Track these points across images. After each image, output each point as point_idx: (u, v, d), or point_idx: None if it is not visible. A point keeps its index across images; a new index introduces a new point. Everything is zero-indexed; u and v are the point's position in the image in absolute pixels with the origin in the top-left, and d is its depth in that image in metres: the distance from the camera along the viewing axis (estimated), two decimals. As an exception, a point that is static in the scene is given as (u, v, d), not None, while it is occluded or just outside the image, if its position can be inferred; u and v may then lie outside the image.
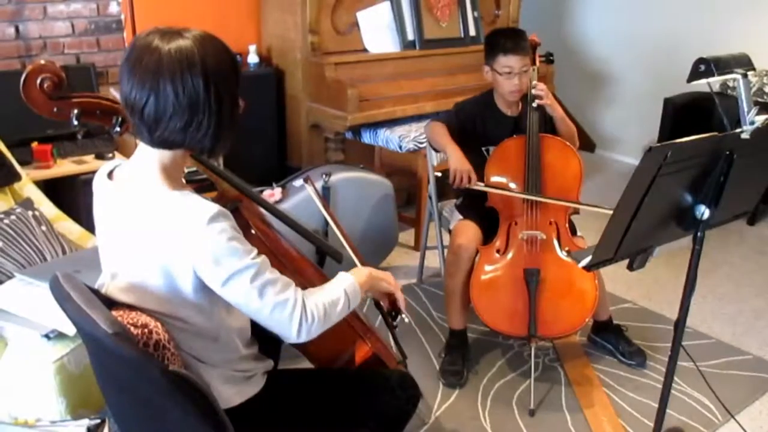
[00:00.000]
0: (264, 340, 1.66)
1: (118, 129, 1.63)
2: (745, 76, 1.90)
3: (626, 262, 1.70)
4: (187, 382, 1.24)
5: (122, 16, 3.55)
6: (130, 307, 1.42)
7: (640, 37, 5.16)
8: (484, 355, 2.84)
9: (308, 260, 1.98)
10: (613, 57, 5.42)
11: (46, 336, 2.02)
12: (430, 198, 3.13)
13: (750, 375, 2.76)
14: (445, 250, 2.94)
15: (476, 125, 2.77)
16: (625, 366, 2.78)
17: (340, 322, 1.74)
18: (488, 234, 2.66)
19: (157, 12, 3.61)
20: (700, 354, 2.82)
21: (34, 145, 3.10)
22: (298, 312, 1.40)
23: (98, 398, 1.92)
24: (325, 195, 3.04)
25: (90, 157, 3.21)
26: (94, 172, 1.53)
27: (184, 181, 1.49)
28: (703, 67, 1.88)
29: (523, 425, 2.43)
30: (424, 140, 3.17)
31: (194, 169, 1.83)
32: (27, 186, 2.76)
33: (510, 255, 2.59)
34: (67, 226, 2.70)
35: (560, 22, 5.68)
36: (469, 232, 2.65)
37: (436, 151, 2.89)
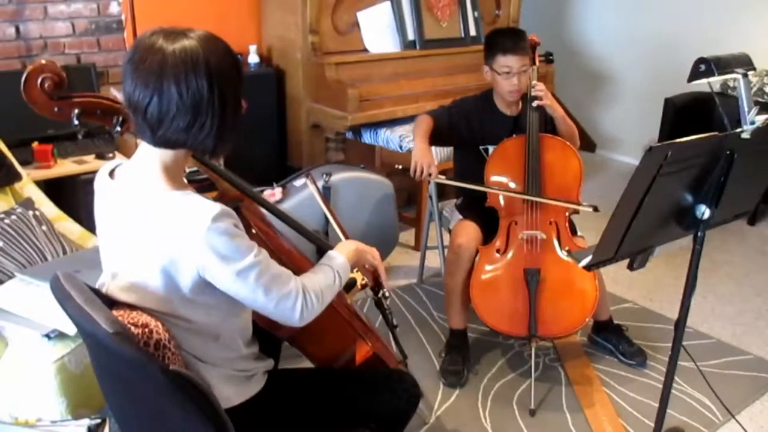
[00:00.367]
0: (264, 339, 1.66)
1: (118, 129, 1.63)
2: (745, 75, 1.90)
3: (626, 261, 1.70)
4: (187, 382, 1.24)
5: (123, 16, 3.55)
6: (131, 307, 1.42)
7: (640, 37, 5.16)
8: (484, 354, 2.84)
9: (309, 260, 1.98)
10: (613, 57, 5.42)
11: (47, 336, 2.02)
12: (431, 198, 3.13)
13: (750, 375, 2.76)
14: (446, 250, 2.94)
15: (472, 124, 2.77)
16: (626, 366, 2.78)
17: (341, 322, 1.75)
18: (488, 234, 2.66)
19: (158, 12, 3.61)
20: (701, 354, 2.83)
21: (35, 145, 3.10)
22: (300, 301, 1.44)
23: (99, 398, 1.92)
24: (326, 195, 3.04)
25: (90, 157, 3.21)
26: (94, 172, 1.53)
27: (185, 180, 1.49)
28: (704, 66, 1.88)
29: (523, 425, 2.43)
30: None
31: (195, 168, 1.83)
32: (27, 186, 2.76)
33: (510, 255, 2.59)
34: (68, 226, 2.70)
35: (560, 21, 5.68)
36: (469, 231, 2.65)
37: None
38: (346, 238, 2.05)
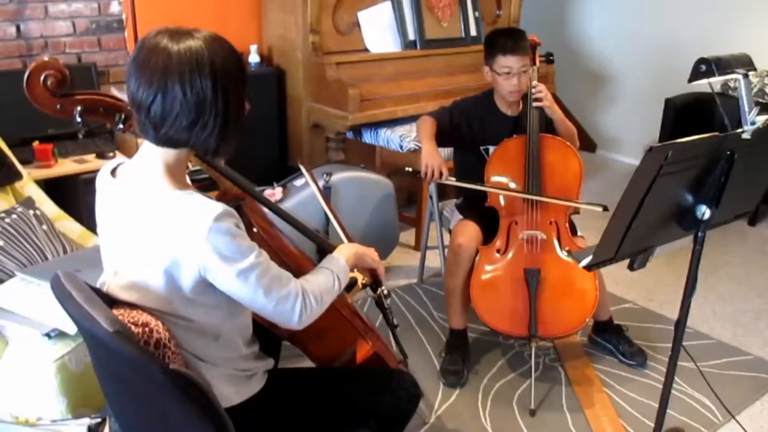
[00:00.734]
0: (265, 339, 1.66)
1: (121, 126, 1.63)
2: (746, 76, 1.90)
3: (627, 262, 1.70)
4: (187, 381, 1.24)
5: (123, 16, 3.55)
6: (131, 306, 1.42)
7: (640, 38, 5.16)
8: (484, 354, 2.84)
9: (309, 258, 1.98)
10: (613, 57, 5.42)
11: (47, 335, 2.02)
12: (431, 198, 3.13)
13: (750, 375, 2.76)
14: (446, 250, 2.94)
15: (473, 124, 2.77)
16: (626, 366, 2.78)
17: (341, 322, 1.75)
18: (489, 234, 2.66)
19: (159, 12, 3.61)
20: (701, 354, 2.83)
21: (36, 144, 3.10)
22: (299, 303, 1.45)
23: (99, 397, 1.92)
24: (326, 194, 3.04)
25: (91, 157, 3.21)
26: (95, 172, 1.53)
27: (188, 180, 1.49)
28: (704, 67, 1.88)
29: (523, 425, 2.43)
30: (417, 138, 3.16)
31: (197, 167, 1.83)
32: (28, 185, 2.76)
33: (510, 255, 2.59)
34: (68, 225, 2.70)
35: (561, 22, 5.68)
36: (469, 231, 2.66)
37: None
38: (346, 236, 2.06)
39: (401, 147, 3.58)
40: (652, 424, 1.97)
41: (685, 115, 4.52)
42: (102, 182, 1.48)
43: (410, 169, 2.69)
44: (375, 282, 1.88)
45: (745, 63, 1.96)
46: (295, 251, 1.86)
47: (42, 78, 1.53)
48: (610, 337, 2.85)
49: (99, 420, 1.99)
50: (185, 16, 3.69)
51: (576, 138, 2.73)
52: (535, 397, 2.52)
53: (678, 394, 2.60)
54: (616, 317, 2.90)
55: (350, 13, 3.82)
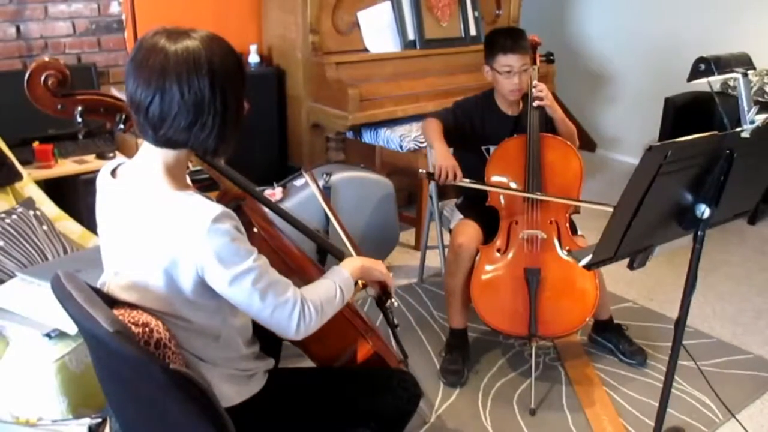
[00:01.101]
0: (265, 339, 1.66)
1: (121, 127, 1.64)
2: (745, 75, 1.90)
3: (627, 261, 1.70)
4: (188, 381, 1.25)
5: (123, 16, 3.56)
6: (132, 306, 1.42)
7: (640, 37, 5.16)
8: (484, 354, 2.84)
9: (310, 258, 1.98)
10: (613, 56, 5.42)
11: (48, 335, 2.02)
12: (431, 198, 3.13)
13: (751, 374, 2.76)
14: (446, 250, 2.94)
15: (475, 124, 2.77)
16: (626, 365, 2.78)
17: (342, 321, 1.75)
18: (489, 233, 2.66)
19: (158, 12, 3.62)
20: (701, 353, 2.83)
21: (36, 144, 3.11)
22: (297, 312, 1.43)
23: (99, 397, 1.93)
24: (326, 194, 3.04)
25: (91, 157, 3.22)
26: (95, 172, 1.53)
27: (189, 180, 1.50)
28: (704, 66, 1.89)
29: (523, 424, 2.43)
30: (425, 140, 3.17)
31: (198, 167, 1.84)
32: (28, 185, 2.76)
33: (510, 254, 2.59)
34: (69, 225, 2.70)
35: (561, 21, 5.68)
36: (469, 231, 2.66)
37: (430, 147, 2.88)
38: (349, 239, 2.05)
39: (401, 147, 3.58)
40: (653, 423, 1.97)
41: (684, 114, 4.52)
42: (102, 183, 1.48)
43: (424, 171, 2.70)
44: (384, 294, 1.85)
45: (744, 62, 1.96)
46: (296, 251, 1.87)
47: (43, 78, 1.53)
48: (610, 336, 2.86)
49: (99, 420, 1.99)
50: (185, 16, 3.69)
51: (576, 138, 2.73)
52: (535, 397, 2.52)
53: (678, 393, 2.60)
54: (616, 316, 2.91)
55: (350, 13, 3.82)
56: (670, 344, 1.86)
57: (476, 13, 4.24)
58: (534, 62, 2.70)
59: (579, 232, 2.72)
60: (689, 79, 1.95)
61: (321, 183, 3.05)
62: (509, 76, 2.63)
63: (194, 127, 1.33)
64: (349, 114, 3.52)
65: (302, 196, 3.03)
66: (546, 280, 2.54)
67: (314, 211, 2.89)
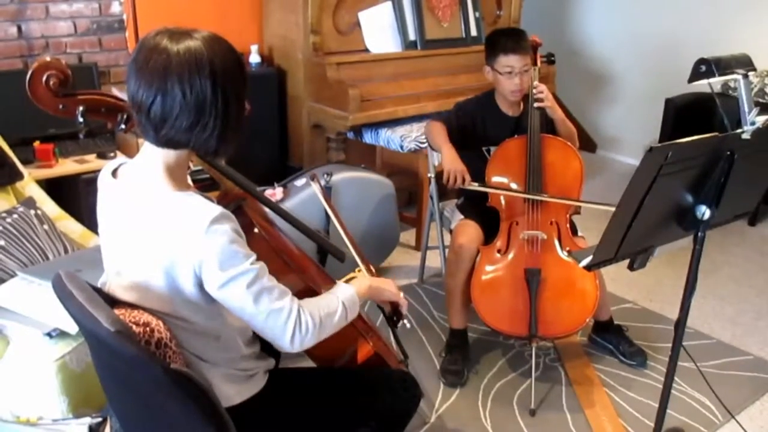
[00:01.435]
0: (265, 339, 1.66)
1: (123, 126, 1.64)
2: (745, 76, 1.91)
3: (627, 262, 1.70)
4: (188, 381, 1.25)
5: (124, 16, 3.56)
6: (132, 306, 1.42)
7: (641, 38, 5.16)
8: (484, 354, 2.84)
9: (310, 258, 1.99)
10: (614, 57, 5.42)
11: (48, 335, 2.03)
12: (432, 198, 3.13)
13: (750, 375, 2.76)
14: (446, 250, 2.94)
15: (476, 125, 2.77)
16: (626, 366, 2.78)
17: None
18: (489, 234, 2.66)
19: (159, 12, 3.62)
20: (701, 354, 2.83)
21: (37, 144, 3.11)
22: (292, 321, 1.40)
23: (100, 397, 1.93)
24: (327, 195, 3.04)
25: (92, 157, 3.22)
26: (96, 172, 1.53)
27: (189, 181, 1.50)
28: (704, 67, 1.89)
29: (523, 425, 2.44)
30: (426, 140, 3.18)
31: (198, 167, 1.84)
32: (29, 185, 2.76)
33: (511, 255, 2.59)
34: (69, 225, 2.71)
35: (561, 22, 5.68)
36: (470, 231, 2.66)
37: (435, 150, 2.89)
38: (350, 240, 2.05)
39: (402, 147, 3.58)
40: (652, 424, 1.97)
41: (685, 115, 4.52)
42: (103, 183, 1.48)
43: (431, 175, 2.70)
44: (396, 314, 1.81)
45: (744, 63, 1.96)
46: (296, 251, 1.87)
47: (44, 78, 1.53)
48: (610, 337, 2.86)
49: (100, 419, 1.99)
50: (186, 16, 3.70)
51: (576, 139, 2.73)
52: (535, 397, 2.52)
53: (678, 394, 2.60)
54: (616, 317, 2.91)
55: (351, 14, 3.82)
56: (670, 345, 1.86)
57: (477, 14, 4.24)
58: (535, 63, 2.71)
59: (579, 233, 2.72)
60: (690, 80, 1.96)
61: (321, 183, 3.06)
62: (510, 77, 2.63)
63: (196, 128, 1.33)
64: (350, 114, 3.52)
65: (303, 196, 3.03)
66: (546, 280, 2.54)
67: (315, 211, 2.90)
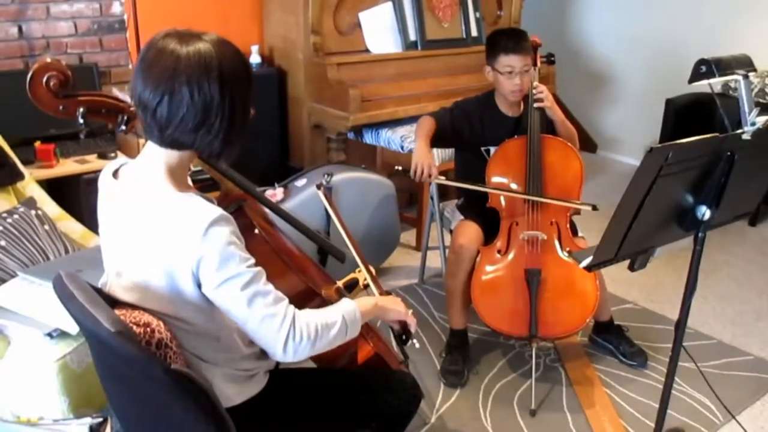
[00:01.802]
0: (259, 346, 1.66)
1: (123, 127, 1.64)
2: (746, 77, 1.91)
3: (627, 262, 1.70)
4: (189, 381, 1.25)
5: (125, 16, 3.56)
6: (133, 307, 1.42)
7: (641, 38, 5.16)
8: (485, 355, 2.84)
9: (311, 259, 1.99)
10: (614, 58, 5.42)
11: (49, 335, 2.03)
12: (432, 198, 3.13)
13: (751, 375, 2.76)
14: (447, 251, 2.94)
15: (474, 125, 2.77)
16: (626, 366, 2.78)
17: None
18: (489, 234, 2.66)
19: (160, 12, 3.62)
20: (701, 354, 2.83)
21: (37, 144, 3.11)
22: (285, 328, 1.37)
23: (101, 397, 1.93)
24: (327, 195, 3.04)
25: (93, 157, 3.22)
26: (96, 172, 1.53)
27: (190, 182, 1.50)
28: (705, 68, 1.89)
29: (524, 425, 2.44)
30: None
31: (198, 168, 1.84)
32: (30, 185, 2.76)
33: (511, 255, 2.59)
34: (70, 225, 2.71)
35: (562, 23, 5.68)
36: (470, 232, 2.66)
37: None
38: (351, 241, 2.04)
39: (402, 147, 3.58)
40: (653, 425, 1.97)
41: (685, 115, 4.52)
42: (104, 183, 1.48)
43: (400, 168, 2.69)
44: (405, 333, 1.77)
45: (745, 64, 1.96)
46: (296, 251, 1.87)
47: (45, 79, 1.53)
48: (610, 337, 2.86)
49: (101, 420, 1.99)
50: (187, 16, 3.70)
51: (576, 140, 2.73)
52: (535, 398, 2.52)
53: (678, 394, 2.60)
54: (616, 318, 2.91)
55: (351, 14, 3.82)
56: (670, 345, 1.86)
57: (477, 14, 4.24)
58: (535, 63, 2.71)
59: (580, 234, 2.72)
60: (690, 81, 1.96)
61: (319, 181, 3.06)
62: (510, 77, 2.63)
63: (201, 129, 1.33)
64: (350, 114, 3.52)
65: (303, 196, 3.03)
66: (546, 281, 2.54)
67: (315, 211, 2.90)
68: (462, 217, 2.82)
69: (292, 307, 1.41)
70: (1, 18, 3.24)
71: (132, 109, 1.67)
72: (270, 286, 1.39)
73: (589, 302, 2.54)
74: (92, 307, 1.27)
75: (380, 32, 3.90)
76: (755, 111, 1.70)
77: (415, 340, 1.79)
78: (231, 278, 1.33)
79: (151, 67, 1.30)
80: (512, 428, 2.42)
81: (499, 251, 2.60)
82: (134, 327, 1.33)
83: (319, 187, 2.40)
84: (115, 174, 1.46)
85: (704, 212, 1.66)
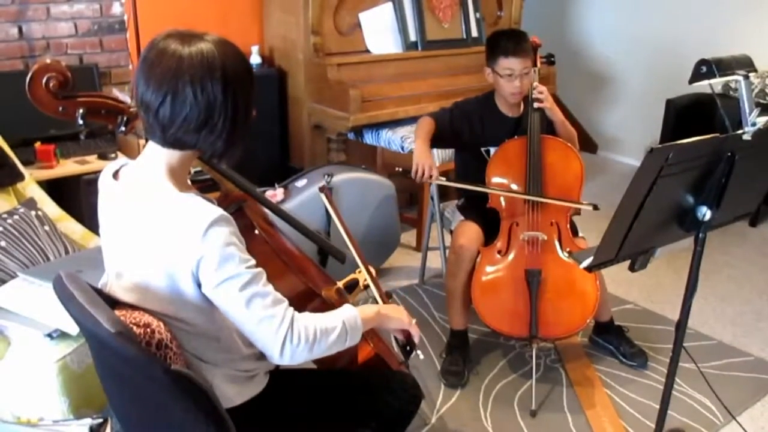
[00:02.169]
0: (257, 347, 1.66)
1: (123, 128, 1.64)
2: (746, 77, 1.91)
3: (628, 263, 1.70)
4: (189, 382, 1.25)
5: (125, 17, 3.56)
6: (133, 307, 1.42)
7: (642, 38, 5.16)
8: (485, 355, 2.84)
9: (311, 260, 1.99)
10: (615, 58, 5.42)
11: (49, 335, 2.03)
12: (432, 199, 3.13)
13: (751, 376, 2.76)
14: (447, 251, 2.94)
15: (474, 126, 2.77)
16: (627, 367, 2.78)
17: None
18: (490, 235, 2.66)
19: (161, 13, 3.62)
20: (702, 355, 2.83)
21: (38, 145, 3.11)
22: (283, 330, 1.36)
23: (101, 397, 1.93)
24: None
25: (93, 158, 3.22)
26: (97, 173, 1.54)
27: (189, 182, 1.50)
28: (705, 68, 1.89)
29: (524, 426, 2.43)
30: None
31: (198, 168, 1.84)
32: (30, 186, 2.76)
33: (511, 256, 2.59)
34: (70, 226, 2.71)
35: (562, 23, 5.68)
36: (470, 232, 2.66)
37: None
38: (352, 242, 2.03)
39: (402, 148, 3.58)
40: (653, 425, 1.97)
41: (686, 116, 4.52)
42: (104, 184, 1.48)
43: (400, 169, 2.69)
44: (409, 343, 1.75)
45: (745, 64, 1.96)
46: (296, 252, 1.87)
47: (44, 80, 1.54)
48: (610, 338, 2.85)
49: (101, 420, 1.99)
50: (187, 17, 3.70)
51: (576, 140, 2.73)
52: (536, 398, 2.52)
53: (679, 394, 2.60)
54: (617, 318, 2.91)
55: (351, 14, 3.82)
56: (670, 346, 1.86)
57: (478, 15, 4.24)
58: (535, 64, 2.71)
59: (580, 234, 2.72)
60: (691, 81, 1.96)
61: (322, 184, 3.05)
62: (510, 79, 2.63)
63: (204, 129, 1.34)
64: (351, 115, 3.52)
65: (303, 197, 3.03)
66: (547, 281, 2.54)
67: (315, 212, 2.90)
68: (462, 218, 2.82)
69: (291, 309, 1.40)
70: (2, 19, 3.24)
71: (132, 109, 1.67)
72: (269, 288, 1.38)
73: (589, 303, 2.54)
74: (92, 307, 1.27)
75: (380, 32, 3.90)
76: (756, 111, 1.69)
77: (419, 351, 1.77)
78: (230, 278, 1.33)
79: (153, 68, 1.30)
80: (513, 429, 2.42)
81: (499, 252, 2.60)
82: (134, 327, 1.32)
83: (321, 189, 2.40)
84: (115, 175, 1.46)
85: (705, 213, 1.66)
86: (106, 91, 3.49)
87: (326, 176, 3.07)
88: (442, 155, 3.47)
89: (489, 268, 2.60)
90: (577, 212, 2.69)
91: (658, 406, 1.94)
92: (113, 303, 1.43)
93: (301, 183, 3.13)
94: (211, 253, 1.31)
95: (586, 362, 2.82)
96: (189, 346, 1.45)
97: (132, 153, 3.22)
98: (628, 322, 3.00)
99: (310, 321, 1.41)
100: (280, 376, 1.65)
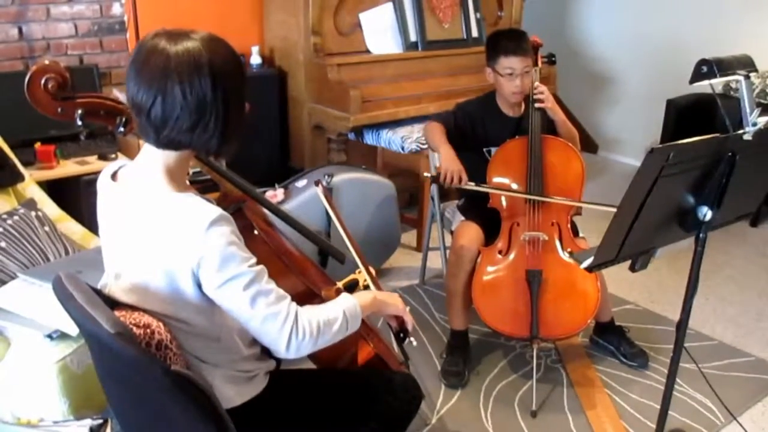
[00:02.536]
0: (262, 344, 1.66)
1: (122, 129, 1.64)
2: (747, 77, 1.90)
3: (628, 263, 1.70)
4: (189, 382, 1.25)
5: (125, 18, 3.56)
6: (133, 308, 1.42)
7: (642, 38, 5.16)
8: (486, 355, 2.84)
9: (311, 260, 1.98)
10: (615, 58, 5.42)
11: (49, 336, 2.03)
12: (432, 199, 3.13)
13: (752, 377, 2.76)
14: (447, 251, 2.94)
15: (476, 126, 2.77)
16: (627, 367, 2.77)
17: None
18: (490, 235, 2.66)
19: (160, 13, 3.62)
20: (702, 355, 2.82)
21: (38, 145, 3.11)
22: (288, 326, 1.38)
23: (101, 398, 1.93)
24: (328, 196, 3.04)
25: (93, 158, 3.22)
26: (96, 173, 1.53)
27: (188, 182, 1.49)
28: (706, 68, 1.89)
29: (524, 426, 2.43)
30: (428, 144, 3.18)
31: (197, 169, 1.84)
32: (30, 186, 2.76)
33: (512, 256, 2.59)
34: (70, 226, 2.71)
35: (563, 23, 5.68)
36: (471, 233, 2.66)
37: (433, 151, 2.89)
38: (352, 242, 2.04)
39: (403, 148, 3.58)
40: (654, 426, 1.97)
41: (686, 116, 4.52)
42: (102, 185, 1.48)
43: (429, 175, 2.71)
44: (402, 330, 1.78)
45: (746, 64, 1.96)
46: (296, 253, 1.87)
47: (43, 81, 1.53)
48: (611, 338, 2.85)
49: (101, 421, 1.99)
50: (187, 17, 3.70)
51: (577, 140, 2.73)
52: (536, 399, 2.52)
53: (679, 395, 2.60)
54: (617, 318, 2.90)
55: (352, 15, 3.82)
56: (671, 346, 1.85)
57: (478, 15, 4.24)
58: (535, 64, 2.71)
59: (580, 234, 2.71)
60: (691, 81, 1.95)
61: (324, 183, 3.05)
62: (511, 79, 2.63)
63: (197, 129, 1.33)
64: (351, 115, 3.52)
65: (304, 197, 3.03)
66: (547, 281, 2.53)
67: (315, 212, 2.90)
68: (463, 218, 2.82)
69: (294, 304, 1.42)
70: (2, 19, 3.24)
71: (130, 110, 1.66)
72: (272, 285, 1.39)
73: (590, 303, 2.54)
74: (92, 308, 1.26)
75: (381, 33, 3.90)
76: (756, 111, 1.69)
77: (413, 338, 1.80)
78: (232, 278, 1.33)
79: (143, 68, 1.30)
80: (513, 429, 2.42)
81: (500, 252, 2.60)
82: (134, 328, 1.32)
83: (317, 183, 2.40)
84: (113, 176, 1.46)
85: (705, 213, 1.65)
86: (106, 92, 3.49)
87: (326, 176, 3.07)
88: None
89: (490, 269, 2.60)
90: (578, 212, 2.69)
91: (658, 407, 1.94)
92: (113, 304, 1.43)
93: (301, 183, 3.13)
94: (212, 253, 1.31)
95: (587, 362, 2.82)
96: (189, 347, 1.45)
97: (132, 153, 3.22)
98: (629, 322, 2.99)
99: (313, 314, 1.44)
100: (280, 376, 1.65)
